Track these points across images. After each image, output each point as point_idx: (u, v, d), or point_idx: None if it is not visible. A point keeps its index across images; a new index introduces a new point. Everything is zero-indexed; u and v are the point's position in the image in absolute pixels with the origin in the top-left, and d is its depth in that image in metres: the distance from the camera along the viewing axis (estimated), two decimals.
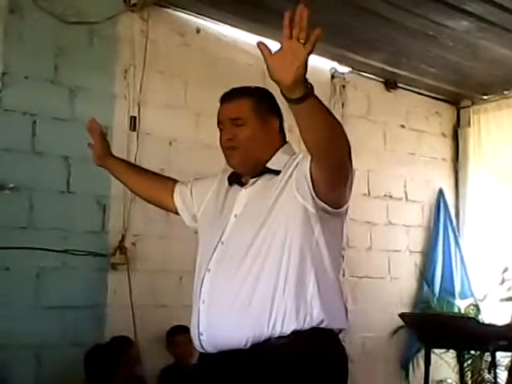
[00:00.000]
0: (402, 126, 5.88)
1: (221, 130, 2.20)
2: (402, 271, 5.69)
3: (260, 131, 2.13)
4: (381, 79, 5.72)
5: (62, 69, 3.97)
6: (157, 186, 2.57)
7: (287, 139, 2.27)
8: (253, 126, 2.12)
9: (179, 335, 3.86)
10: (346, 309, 2.13)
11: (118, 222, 4.12)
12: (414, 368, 5.46)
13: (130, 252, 4.12)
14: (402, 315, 4.75)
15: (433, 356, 4.64)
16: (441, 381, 5.52)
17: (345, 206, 2.11)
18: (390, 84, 5.77)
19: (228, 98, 2.20)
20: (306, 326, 1.96)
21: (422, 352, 4.76)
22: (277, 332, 1.94)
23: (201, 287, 2.07)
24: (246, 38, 4.79)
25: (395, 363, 5.52)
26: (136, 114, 4.22)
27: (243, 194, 2.14)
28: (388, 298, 5.47)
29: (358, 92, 5.56)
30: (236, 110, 2.15)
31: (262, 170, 2.12)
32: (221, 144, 2.19)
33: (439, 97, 6.16)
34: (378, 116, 5.69)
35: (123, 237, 4.12)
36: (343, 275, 5.25)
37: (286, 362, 1.94)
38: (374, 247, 5.53)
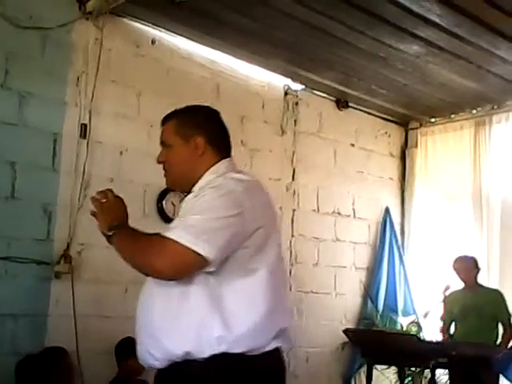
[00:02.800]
0: (352, 145, 5.99)
1: None
2: (348, 287, 5.77)
3: (183, 152, 2.14)
4: (332, 98, 5.82)
5: (13, 73, 3.90)
6: None
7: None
8: (176, 149, 2.15)
9: (128, 348, 3.80)
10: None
11: (63, 230, 4.06)
12: (356, 383, 5.53)
13: (75, 261, 4.06)
14: (346, 331, 4.82)
15: (375, 372, 4.71)
16: None
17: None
18: (342, 103, 5.88)
19: (162, 121, 2.24)
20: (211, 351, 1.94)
21: (365, 368, 4.83)
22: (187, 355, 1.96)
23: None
24: (201, 52, 4.82)
25: (338, 378, 5.57)
26: (87, 122, 4.18)
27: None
28: (333, 314, 5.53)
29: (310, 109, 5.65)
30: (163, 134, 2.20)
31: (190, 191, 2.13)
32: None
33: (388, 117, 6.30)
34: (329, 134, 5.78)
35: (68, 245, 4.06)
36: (290, 289, 5.29)
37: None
38: (321, 263, 5.59)
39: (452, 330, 5.04)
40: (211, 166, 2.12)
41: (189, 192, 2.13)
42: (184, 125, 2.15)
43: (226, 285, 1.94)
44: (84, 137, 4.16)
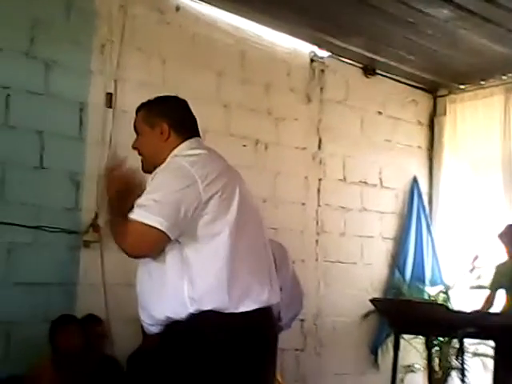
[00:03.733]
0: (379, 113, 5.90)
1: None
2: (374, 257, 5.73)
3: (151, 138, 2.35)
4: (359, 65, 5.72)
5: (38, 42, 3.90)
6: None
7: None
8: (145, 135, 2.38)
9: None
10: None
11: (91, 200, 4.07)
12: (383, 353, 5.52)
13: (103, 230, 4.06)
14: (372, 300, 4.79)
15: (402, 341, 4.69)
16: (409, 366, 5.58)
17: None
18: (369, 70, 5.77)
19: (135, 112, 2.45)
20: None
21: (392, 337, 4.82)
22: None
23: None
24: (226, 18, 4.75)
25: (365, 348, 5.57)
26: (112, 91, 4.16)
27: None
28: (359, 284, 5.50)
29: (336, 77, 5.56)
30: (135, 123, 2.43)
31: None
32: None
33: (417, 85, 6.18)
34: (356, 102, 5.70)
35: (97, 215, 4.07)
36: (316, 259, 5.28)
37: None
38: (348, 232, 5.55)
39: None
40: (175, 149, 2.32)
41: None
42: (150, 113, 2.38)
43: (192, 250, 2.14)
44: (110, 106, 4.15)
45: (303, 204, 5.27)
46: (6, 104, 3.79)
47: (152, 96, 4.43)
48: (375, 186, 5.82)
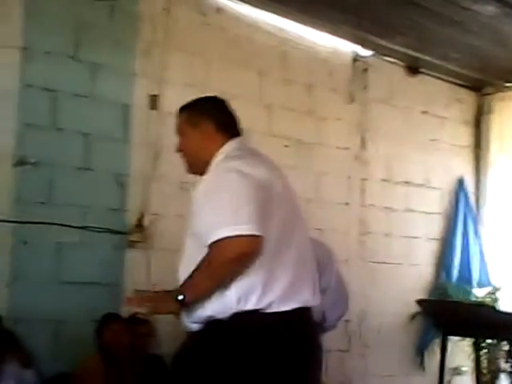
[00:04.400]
0: (424, 112, 5.82)
1: None
2: (420, 258, 5.66)
3: (195, 139, 2.35)
4: (403, 64, 5.66)
5: (83, 45, 3.98)
6: None
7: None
8: (189, 136, 2.37)
9: None
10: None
11: (136, 201, 4.13)
12: (429, 355, 5.44)
13: (149, 230, 4.12)
14: (419, 301, 4.72)
15: (449, 343, 4.61)
16: (456, 368, 5.49)
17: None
18: (413, 69, 5.71)
19: (177, 114, 2.45)
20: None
21: (438, 339, 4.74)
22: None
23: None
24: (268, 19, 4.76)
25: (410, 349, 5.50)
26: (156, 93, 4.20)
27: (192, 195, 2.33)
28: (405, 284, 5.44)
29: (379, 76, 5.50)
30: (178, 124, 2.43)
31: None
32: None
33: (462, 83, 6.08)
34: (400, 101, 5.63)
35: (142, 215, 4.12)
36: (360, 260, 5.24)
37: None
38: (393, 233, 5.49)
39: None
40: (220, 148, 2.31)
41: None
42: (193, 114, 2.37)
43: None
44: (154, 107, 4.19)
45: (347, 204, 5.24)
46: (54, 107, 3.88)
47: (195, 96, 4.50)
48: (420, 186, 5.74)
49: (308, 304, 2.20)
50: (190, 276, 2.11)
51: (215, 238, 2.02)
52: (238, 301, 2.08)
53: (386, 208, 5.47)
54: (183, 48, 4.35)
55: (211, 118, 2.34)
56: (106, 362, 3.63)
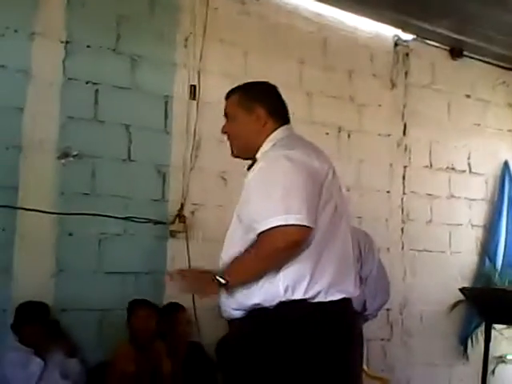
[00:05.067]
0: (467, 96, 5.69)
1: None
2: (463, 245, 5.56)
3: (246, 122, 2.32)
4: (446, 47, 5.52)
5: (124, 37, 4.01)
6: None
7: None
8: (240, 119, 2.33)
9: None
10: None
11: (177, 191, 4.16)
12: (472, 343, 5.37)
13: (189, 220, 4.16)
14: (462, 289, 4.66)
15: (493, 331, 4.54)
16: (500, 357, 5.42)
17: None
18: (456, 52, 5.57)
19: (226, 96, 2.42)
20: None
21: (482, 327, 4.67)
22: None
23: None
24: (307, 5, 4.70)
25: (453, 338, 5.43)
26: (196, 83, 4.22)
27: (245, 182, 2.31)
28: (448, 272, 5.36)
29: (421, 60, 5.39)
30: (227, 107, 2.39)
31: (253, 162, 2.30)
32: None
33: (507, 66, 5.90)
34: (443, 85, 5.52)
35: (182, 205, 4.16)
36: (402, 248, 5.19)
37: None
38: (435, 220, 5.41)
39: None
40: (270, 134, 2.30)
41: (252, 159, 2.31)
42: (247, 98, 2.34)
43: None
44: (194, 98, 4.21)
45: (388, 192, 5.18)
46: (95, 99, 3.93)
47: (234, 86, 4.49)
48: (463, 172, 5.63)
49: (350, 295, 2.21)
50: (235, 261, 2.11)
51: (266, 227, 2.02)
52: (286, 290, 2.08)
53: (429, 195, 5.38)
54: (222, 38, 4.34)
55: (264, 104, 2.32)
56: (136, 348, 3.70)
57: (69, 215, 3.78)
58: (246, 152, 2.33)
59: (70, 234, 3.81)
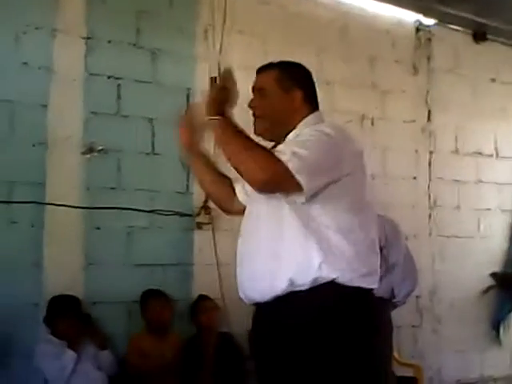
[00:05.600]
0: (492, 80, 5.62)
1: None
2: (493, 230, 5.50)
3: (281, 102, 2.22)
4: (469, 31, 5.46)
5: (144, 32, 4.04)
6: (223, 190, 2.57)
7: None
8: (274, 97, 2.23)
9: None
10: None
11: None
12: (505, 329, 5.31)
13: (214, 212, 4.16)
14: (492, 274, 4.62)
15: None
16: None
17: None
18: (479, 36, 5.50)
19: (259, 70, 2.32)
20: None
21: None
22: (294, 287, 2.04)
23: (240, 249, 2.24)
24: None
25: (485, 324, 5.37)
26: (216, 75, 4.22)
27: None
28: (477, 258, 5.30)
29: (444, 45, 5.34)
30: (261, 81, 2.28)
31: (282, 142, 2.20)
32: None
33: None
34: (466, 70, 5.45)
35: (207, 197, 4.16)
36: (430, 234, 5.15)
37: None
38: (463, 206, 5.36)
39: None
40: (302, 119, 2.22)
41: (276, 141, 2.23)
42: (285, 76, 2.24)
43: (320, 216, 2.04)
44: None
45: (414, 178, 5.14)
46: (118, 94, 3.97)
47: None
48: (491, 156, 5.57)
49: (377, 284, 2.15)
50: (252, 141, 2.04)
51: (283, 158, 1.96)
52: (320, 271, 2.01)
53: (455, 181, 5.33)
54: (242, 29, 4.34)
55: (301, 87, 2.24)
56: (152, 338, 3.76)
57: (96, 209, 3.82)
58: (272, 132, 2.24)
59: (98, 228, 3.85)
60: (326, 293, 2.02)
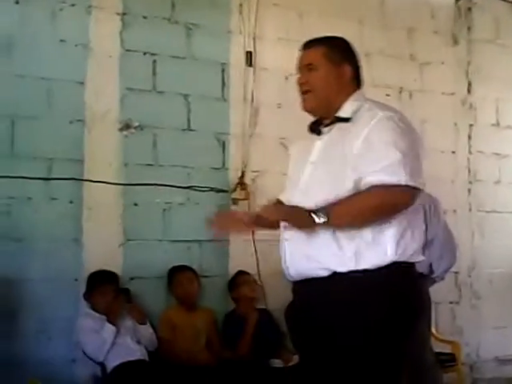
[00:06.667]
0: None
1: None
2: None
3: (331, 76, 2.22)
4: (511, 0, 5.29)
5: (178, 7, 4.02)
6: None
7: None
8: (324, 71, 2.22)
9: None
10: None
11: (237, 159, 4.17)
12: None
13: (250, 188, 4.17)
14: None
15: None
16: None
17: None
18: None
19: (305, 46, 2.31)
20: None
21: None
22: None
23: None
24: None
25: None
26: (252, 49, 4.19)
27: (319, 144, 2.23)
28: None
29: (485, 15, 5.18)
30: (309, 57, 2.26)
31: (333, 120, 2.21)
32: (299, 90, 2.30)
33: None
34: (508, 40, 5.29)
35: (243, 173, 4.16)
36: (469, 210, 5.06)
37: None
38: (504, 180, 5.24)
39: None
40: (349, 95, 2.22)
41: (323, 116, 2.23)
42: (335, 51, 2.24)
43: None
44: (250, 64, 4.19)
45: (453, 152, 5.04)
46: (153, 70, 3.96)
47: (291, 51, 4.42)
48: None
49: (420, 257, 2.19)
50: (340, 203, 2.02)
51: (394, 182, 1.98)
52: (393, 252, 2.05)
53: (496, 154, 5.20)
54: (277, 2, 4.29)
55: (351, 62, 2.26)
56: (183, 311, 3.82)
57: (133, 186, 3.85)
58: (321, 107, 2.23)
59: (136, 204, 3.88)
60: (388, 272, 2.05)
